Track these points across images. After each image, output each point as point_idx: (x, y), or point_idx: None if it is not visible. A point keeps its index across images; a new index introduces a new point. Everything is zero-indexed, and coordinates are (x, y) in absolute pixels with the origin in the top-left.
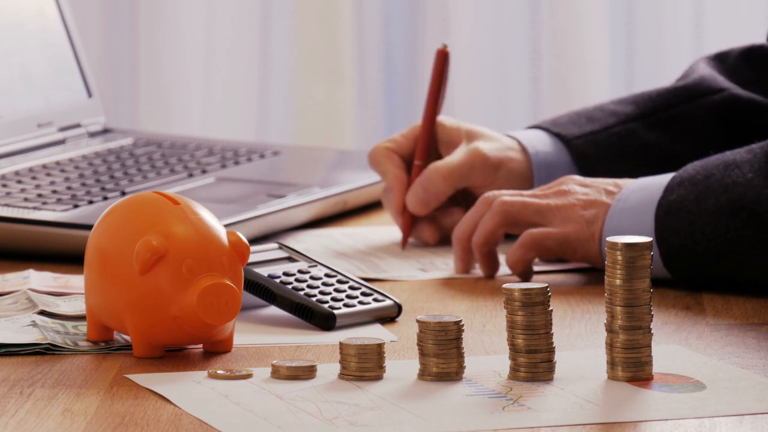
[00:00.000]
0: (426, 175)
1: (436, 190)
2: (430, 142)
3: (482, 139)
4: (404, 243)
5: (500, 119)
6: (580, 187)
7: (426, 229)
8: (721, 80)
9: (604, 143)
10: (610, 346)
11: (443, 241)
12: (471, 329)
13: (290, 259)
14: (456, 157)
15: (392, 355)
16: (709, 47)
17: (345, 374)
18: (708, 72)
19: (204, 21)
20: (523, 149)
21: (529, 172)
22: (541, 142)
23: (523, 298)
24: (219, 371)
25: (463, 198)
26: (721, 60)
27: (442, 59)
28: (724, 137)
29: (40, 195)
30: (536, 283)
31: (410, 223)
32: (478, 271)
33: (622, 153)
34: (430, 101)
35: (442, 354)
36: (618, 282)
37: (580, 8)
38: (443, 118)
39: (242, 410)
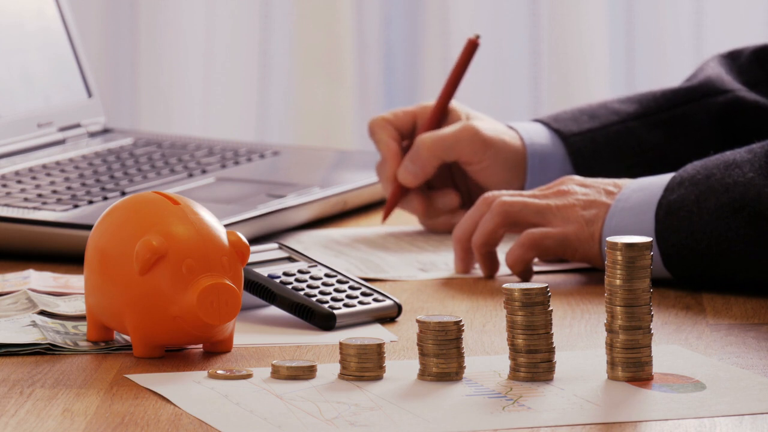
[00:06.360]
0: (414, 147)
1: (422, 161)
2: (438, 122)
3: (481, 120)
4: (386, 214)
5: (500, 119)
6: (579, 187)
7: (415, 199)
8: (728, 81)
9: (602, 141)
10: (610, 346)
11: (443, 240)
12: (471, 329)
13: (290, 259)
14: (446, 129)
15: (392, 355)
16: (709, 47)
17: (345, 374)
18: (716, 72)
19: (204, 21)
20: (520, 138)
21: (521, 159)
22: (538, 135)
23: (523, 298)
24: (219, 371)
25: (461, 178)
26: (733, 58)
27: (472, 49)
28: (724, 139)
29: (40, 195)
30: (536, 283)
31: (397, 195)
32: (478, 271)
33: (618, 152)
34: (449, 84)
35: (442, 354)
36: (618, 282)
37: (580, 8)
38: (452, 102)
39: (242, 410)
